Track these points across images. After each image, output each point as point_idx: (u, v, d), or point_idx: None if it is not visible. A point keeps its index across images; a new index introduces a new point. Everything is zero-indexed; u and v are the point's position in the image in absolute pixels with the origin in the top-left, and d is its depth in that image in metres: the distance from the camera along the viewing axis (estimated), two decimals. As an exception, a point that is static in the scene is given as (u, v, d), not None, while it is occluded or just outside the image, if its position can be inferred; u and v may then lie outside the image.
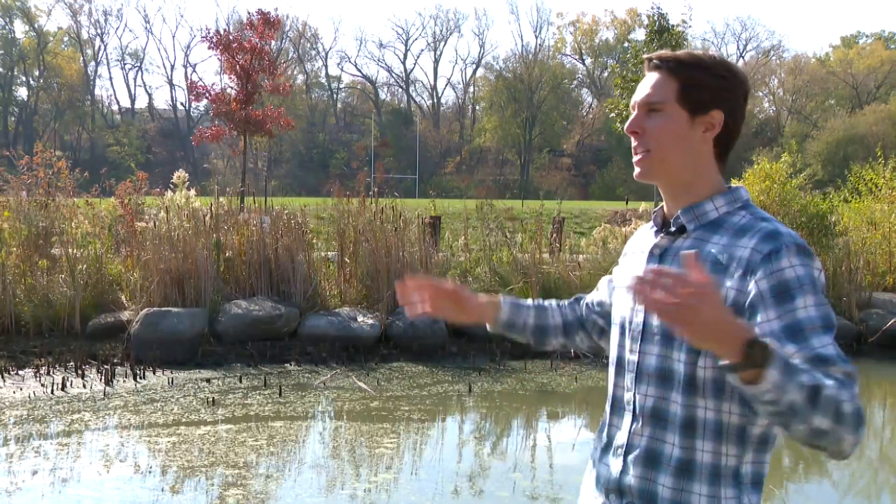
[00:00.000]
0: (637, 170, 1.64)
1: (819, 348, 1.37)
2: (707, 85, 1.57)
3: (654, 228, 1.68)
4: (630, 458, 1.58)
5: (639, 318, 1.61)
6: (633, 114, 1.63)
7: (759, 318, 1.43)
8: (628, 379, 1.62)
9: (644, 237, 1.74)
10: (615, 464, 1.61)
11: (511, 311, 1.90)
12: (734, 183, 10.15)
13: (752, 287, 1.45)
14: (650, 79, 1.62)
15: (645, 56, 1.66)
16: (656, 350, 1.57)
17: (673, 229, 1.62)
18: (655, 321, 1.57)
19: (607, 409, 1.68)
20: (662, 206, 1.69)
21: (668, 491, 1.52)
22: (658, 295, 1.24)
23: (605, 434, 1.67)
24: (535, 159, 62.55)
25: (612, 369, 1.70)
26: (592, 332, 1.94)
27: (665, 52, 1.63)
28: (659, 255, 1.63)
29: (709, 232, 1.57)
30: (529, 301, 1.97)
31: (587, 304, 1.95)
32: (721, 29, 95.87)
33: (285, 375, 8.14)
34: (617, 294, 1.74)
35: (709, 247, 1.55)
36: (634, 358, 1.61)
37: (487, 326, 1.93)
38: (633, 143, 1.63)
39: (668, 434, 1.53)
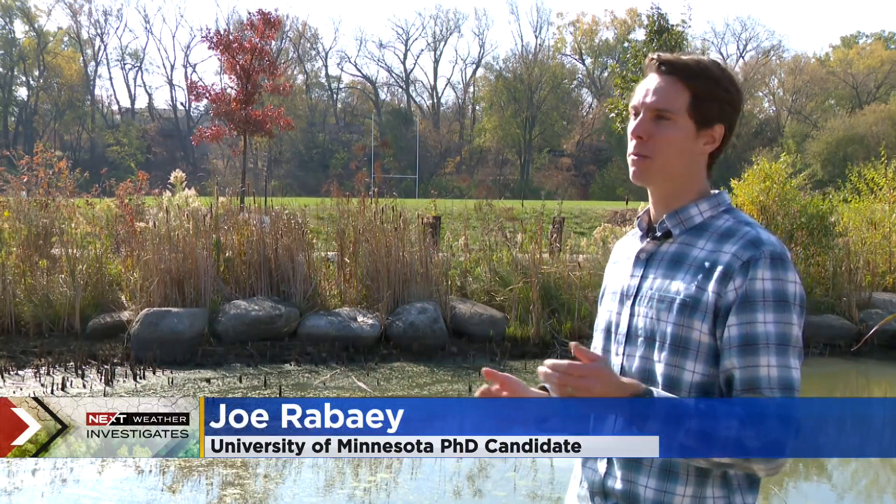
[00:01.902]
0: (633, 170, 1.62)
1: (762, 367, 1.45)
2: (716, 99, 1.58)
3: (640, 233, 1.68)
4: (612, 460, 1.59)
5: (624, 323, 1.62)
6: (639, 116, 1.60)
7: (726, 324, 1.48)
8: None
9: (631, 244, 1.73)
10: (600, 466, 1.62)
11: None
12: (733, 184, 10.04)
13: (729, 293, 1.48)
14: (659, 83, 1.59)
15: (653, 57, 1.62)
16: (640, 352, 1.58)
17: (659, 234, 1.62)
18: (641, 324, 1.58)
19: None
20: (648, 211, 1.68)
21: (651, 492, 1.53)
22: (560, 382, 1.43)
23: None
24: (535, 159, 62.52)
25: None
26: None
27: (676, 56, 1.60)
28: (645, 259, 1.63)
29: (694, 237, 1.58)
30: None
31: None
32: (721, 29, 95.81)
33: (285, 375, 8.15)
34: (605, 300, 1.73)
35: (695, 252, 1.56)
36: (619, 361, 1.62)
37: None
38: (633, 145, 1.60)
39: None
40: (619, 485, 1.57)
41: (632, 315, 1.61)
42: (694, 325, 1.51)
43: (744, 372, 1.46)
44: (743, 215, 1.60)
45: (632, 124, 1.62)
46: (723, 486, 1.53)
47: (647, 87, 1.60)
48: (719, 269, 1.50)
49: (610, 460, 1.59)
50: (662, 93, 1.57)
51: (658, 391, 1.45)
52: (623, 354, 1.61)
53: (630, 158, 1.61)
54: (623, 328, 1.62)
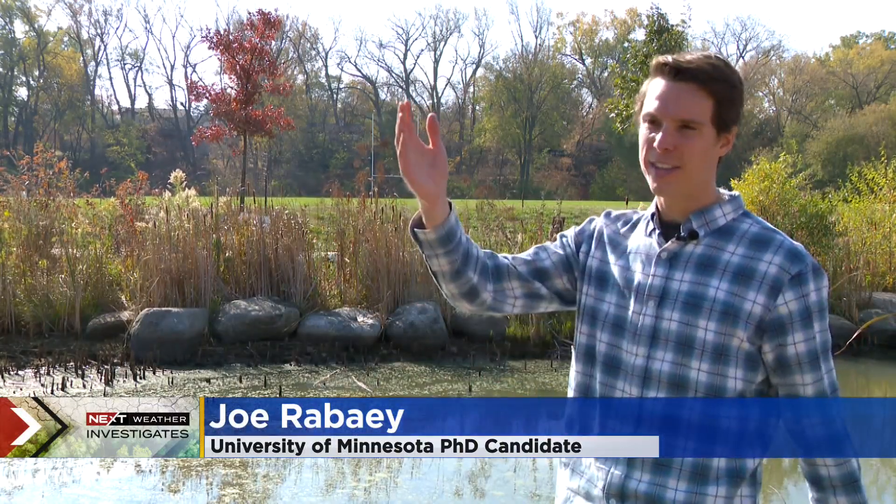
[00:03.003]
0: (657, 184, 1.57)
1: (825, 375, 1.56)
2: (734, 101, 1.56)
3: (656, 231, 1.63)
4: (635, 462, 1.56)
5: (648, 323, 1.57)
6: (661, 126, 1.54)
7: (787, 340, 1.53)
8: (631, 383, 1.58)
9: (636, 236, 1.68)
10: (617, 468, 1.58)
11: (456, 222, 1.60)
12: (733, 183, 10.03)
13: (780, 307, 1.51)
14: (680, 91, 1.53)
15: (666, 61, 1.55)
16: (670, 357, 1.55)
17: (684, 235, 1.59)
18: (673, 328, 1.55)
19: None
20: (658, 208, 1.65)
21: (682, 494, 1.52)
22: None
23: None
24: (535, 159, 62.51)
25: (599, 368, 1.64)
26: (542, 285, 1.72)
27: (690, 60, 1.54)
28: (668, 259, 1.59)
29: (721, 239, 1.57)
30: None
31: (547, 252, 1.75)
32: (721, 29, 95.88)
33: (285, 375, 8.15)
34: (610, 290, 1.66)
35: (725, 255, 1.55)
36: (641, 363, 1.57)
37: (428, 229, 1.57)
38: (657, 156, 1.54)
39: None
40: (643, 487, 1.55)
41: (658, 318, 1.57)
42: (736, 333, 1.51)
43: (815, 386, 1.55)
44: (763, 221, 1.62)
45: (644, 132, 1.57)
46: (751, 485, 1.56)
47: (666, 94, 1.54)
48: (765, 280, 1.51)
49: (629, 462, 1.57)
50: (687, 102, 1.53)
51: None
52: (647, 357, 1.57)
53: (654, 170, 1.56)
54: (647, 330, 1.57)
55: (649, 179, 1.59)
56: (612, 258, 1.69)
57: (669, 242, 1.60)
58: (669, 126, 1.53)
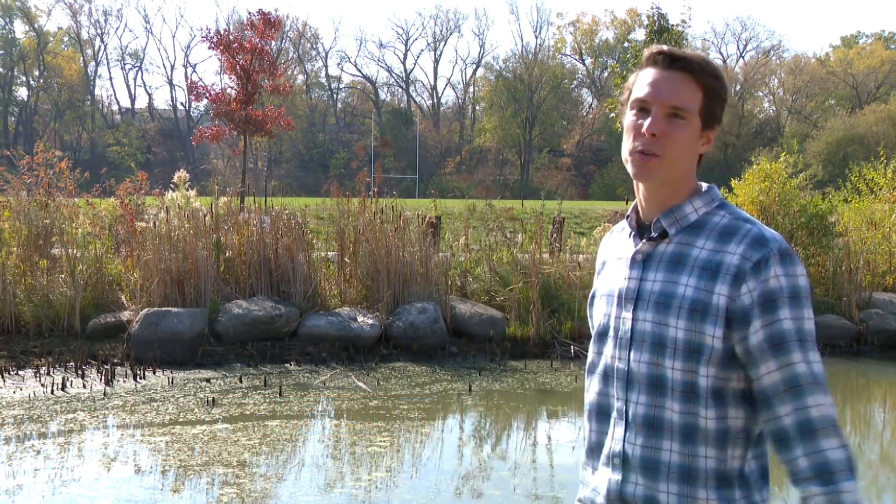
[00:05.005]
0: (637, 169, 1.55)
1: (797, 363, 1.46)
2: (721, 97, 1.56)
3: (632, 233, 1.64)
4: (629, 466, 1.56)
5: (627, 326, 1.58)
6: (650, 112, 1.53)
7: (750, 329, 1.47)
8: (617, 387, 1.60)
9: (620, 243, 1.69)
10: (614, 473, 1.59)
11: None
12: (733, 183, 10.03)
13: (744, 296, 1.47)
14: (672, 79, 1.53)
15: (661, 50, 1.55)
16: (646, 358, 1.55)
17: (654, 235, 1.59)
18: (648, 329, 1.55)
19: (592, 418, 1.66)
20: (637, 209, 1.64)
21: (674, 497, 1.52)
22: None
23: (592, 443, 1.66)
24: (535, 159, 62.47)
25: (594, 377, 1.66)
26: None
27: (683, 52, 1.56)
28: (642, 261, 1.60)
29: (691, 235, 1.56)
30: None
31: None
32: (721, 29, 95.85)
33: (285, 375, 8.14)
34: (599, 302, 1.68)
35: (695, 251, 1.54)
36: (623, 366, 1.58)
37: None
38: (642, 141, 1.53)
39: (664, 441, 1.53)
40: (639, 490, 1.55)
41: (635, 319, 1.57)
42: (706, 329, 1.49)
43: (783, 372, 1.46)
44: (738, 210, 1.58)
45: (631, 120, 1.56)
46: (742, 487, 1.53)
47: (658, 81, 1.54)
48: (728, 271, 1.48)
49: (624, 467, 1.57)
50: (679, 90, 1.53)
51: None
52: (628, 360, 1.57)
53: (635, 156, 1.55)
54: (626, 333, 1.58)
55: (629, 166, 1.57)
56: (604, 273, 1.72)
57: (641, 243, 1.60)
58: (659, 112, 1.53)
